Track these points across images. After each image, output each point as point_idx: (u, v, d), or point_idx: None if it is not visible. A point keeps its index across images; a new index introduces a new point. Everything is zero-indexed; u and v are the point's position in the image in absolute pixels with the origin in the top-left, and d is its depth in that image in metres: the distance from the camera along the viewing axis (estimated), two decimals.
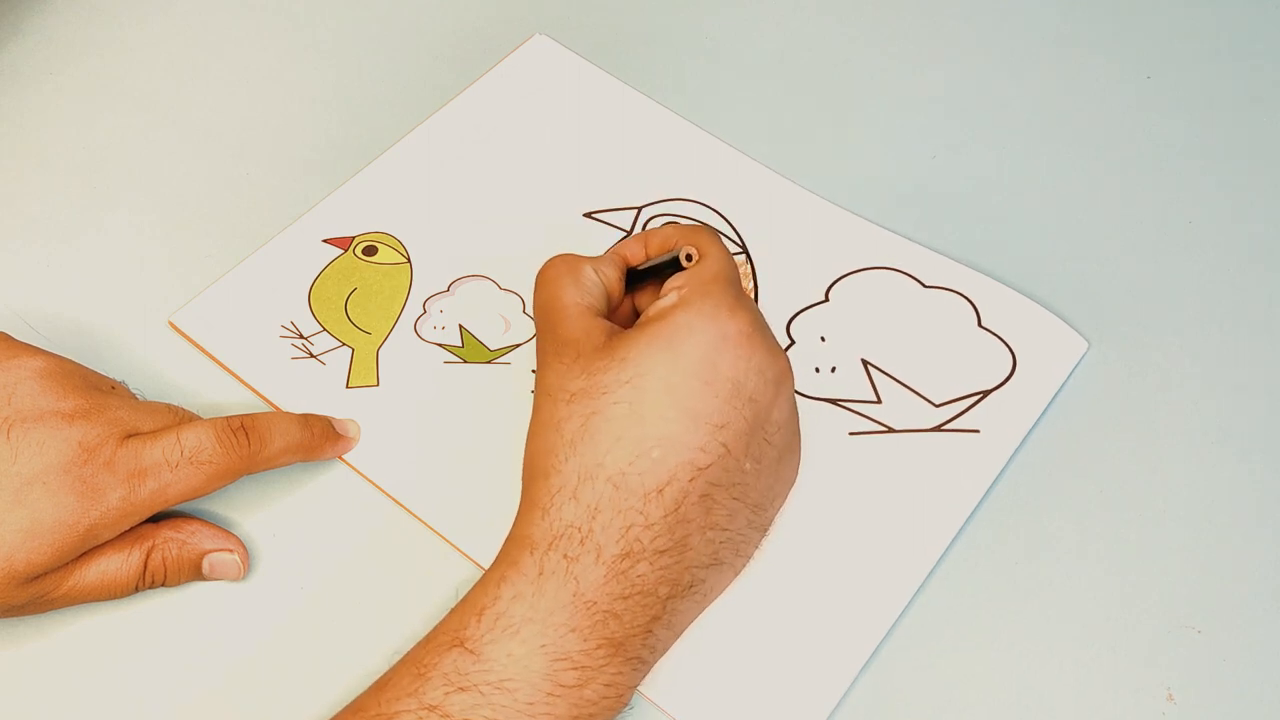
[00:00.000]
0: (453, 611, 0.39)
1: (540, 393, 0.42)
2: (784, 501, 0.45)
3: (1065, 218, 0.55)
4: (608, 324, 0.43)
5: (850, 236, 0.54)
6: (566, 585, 0.38)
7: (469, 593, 0.39)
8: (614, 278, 0.45)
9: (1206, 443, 0.49)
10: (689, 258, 0.44)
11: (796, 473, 0.45)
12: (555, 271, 0.44)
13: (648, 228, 0.54)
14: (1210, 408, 0.50)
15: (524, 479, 0.41)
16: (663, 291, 0.43)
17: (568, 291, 0.44)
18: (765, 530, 0.44)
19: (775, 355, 0.42)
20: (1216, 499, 0.47)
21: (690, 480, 0.39)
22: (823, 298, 0.52)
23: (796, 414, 0.43)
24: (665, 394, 0.40)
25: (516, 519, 0.41)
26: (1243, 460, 0.48)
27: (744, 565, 0.43)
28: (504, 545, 0.40)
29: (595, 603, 0.38)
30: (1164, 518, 0.47)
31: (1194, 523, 0.47)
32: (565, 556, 0.39)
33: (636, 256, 0.47)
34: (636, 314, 0.47)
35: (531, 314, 0.51)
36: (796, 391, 0.49)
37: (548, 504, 0.40)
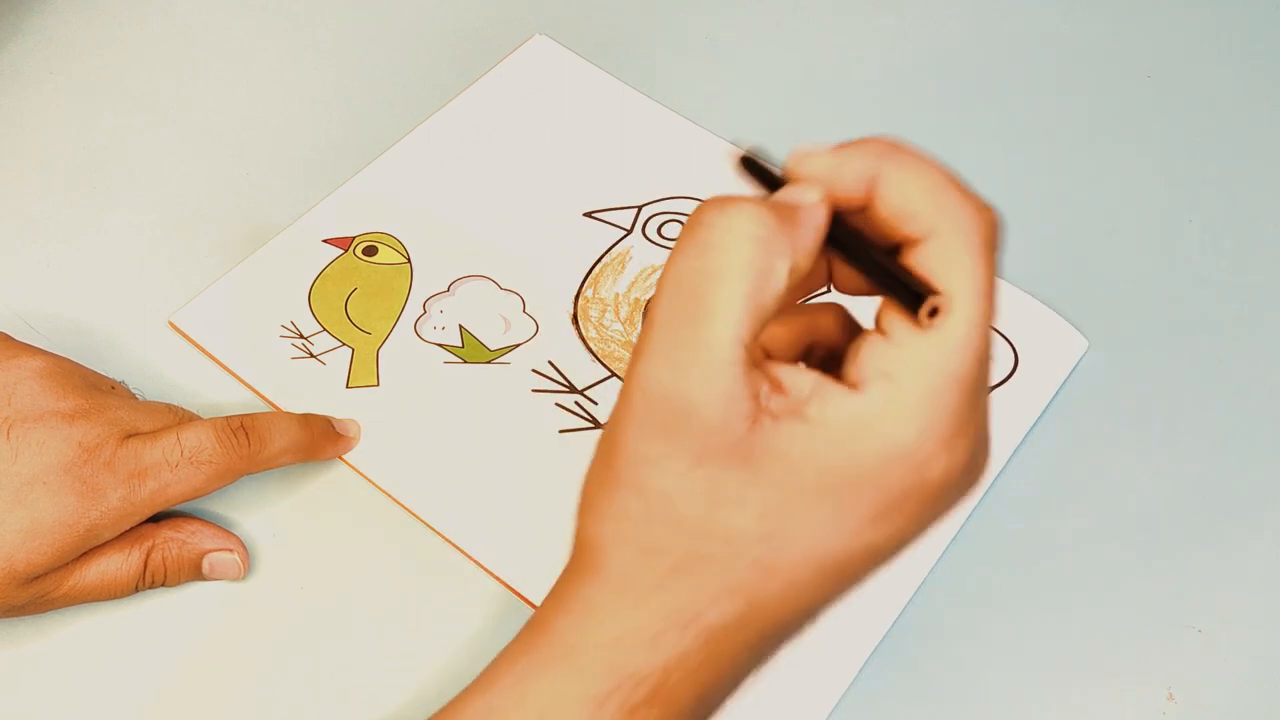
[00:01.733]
0: None
1: (611, 460, 0.29)
2: None
3: (1065, 217, 0.55)
4: (759, 388, 0.28)
5: None
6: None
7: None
8: (806, 263, 0.28)
9: (1206, 442, 0.49)
10: (932, 312, 0.27)
11: None
12: (735, 246, 0.27)
13: (651, 229, 0.54)
14: (1210, 407, 0.50)
15: (590, 528, 0.30)
16: (858, 359, 0.27)
17: (735, 303, 0.27)
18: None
19: (957, 506, 0.29)
20: (1216, 499, 0.47)
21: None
22: (824, 289, 0.52)
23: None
24: (812, 557, 0.28)
25: (574, 591, 0.29)
26: (1243, 460, 0.48)
27: None
28: (551, 645, 0.30)
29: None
30: (1164, 517, 0.47)
31: (1194, 522, 0.47)
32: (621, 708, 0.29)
33: (851, 200, 0.29)
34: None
35: (532, 313, 0.51)
36: None
37: (633, 600, 0.29)
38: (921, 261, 0.27)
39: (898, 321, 0.27)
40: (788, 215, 0.28)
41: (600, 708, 0.28)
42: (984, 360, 0.27)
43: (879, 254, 0.28)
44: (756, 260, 0.27)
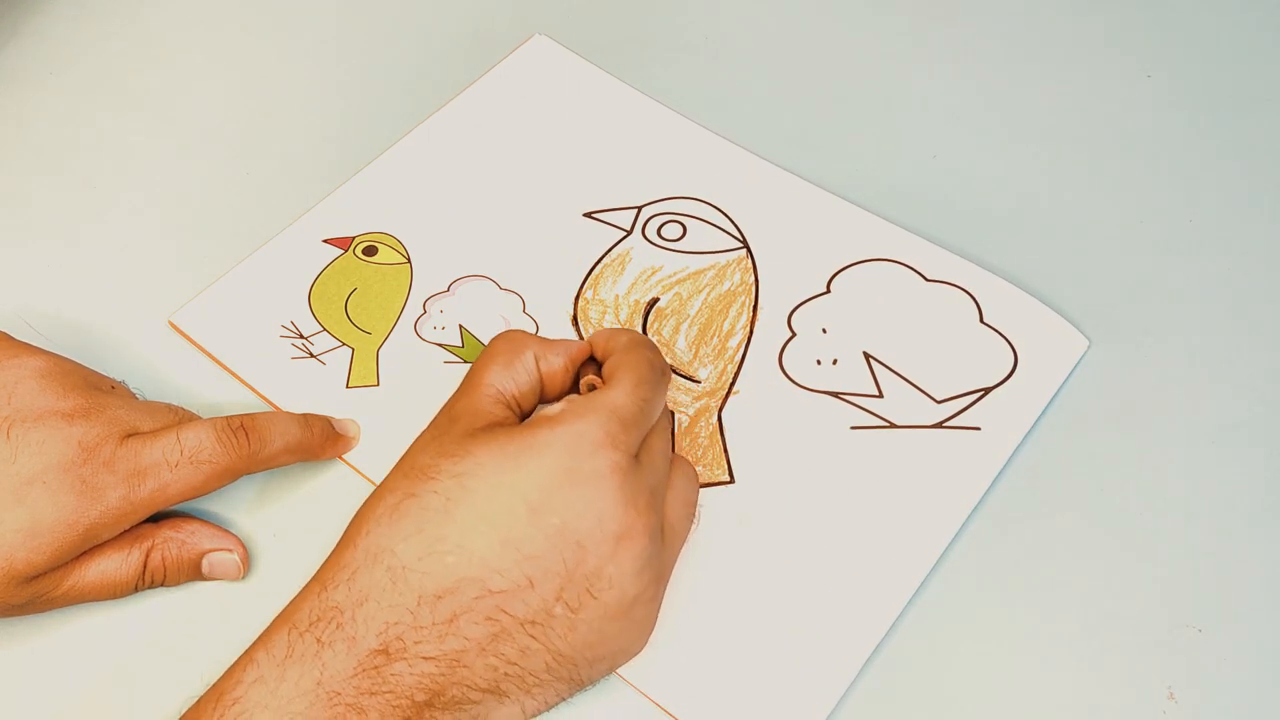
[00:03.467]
0: (204, 695, 0.37)
1: (402, 456, 0.41)
2: (610, 667, 0.40)
3: (1065, 217, 0.55)
4: (502, 415, 0.41)
5: (852, 228, 0.54)
6: (310, 672, 0.36)
7: (225, 671, 0.37)
8: (557, 368, 0.43)
9: (1206, 442, 0.49)
10: (592, 387, 0.42)
11: (641, 640, 0.41)
12: (495, 348, 0.43)
13: (651, 230, 0.54)
14: (1210, 407, 0.50)
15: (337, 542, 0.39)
16: (561, 398, 0.42)
17: (491, 371, 0.42)
18: (576, 685, 0.39)
19: (629, 507, 0.38)
20: (1216, 498, 0.47)
21: (476, 598, 0.37)
22: (824, 289, 0.52)
23: (646, 575, 0.39)
24: (485, 503, 0.38)
25: (308, 583, 0.38)
26: (1242, 460, 0.48)
27: (538, 709, 0.39)
28: (279, 613, 0.38)
29: (339, 694, 0.36)
30: (1164, 517, 0.47)
31: (1194, 522, 0.47)
32: (319, 640, 0.36)
33: (582, 354, 0.45)
34: None
35: (532, 314, 0.52)
36: (797, 384, 0.49)
37: (329, 579, 0.38)
38: (606, 366, 0.43)
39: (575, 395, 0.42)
40: (546, 341, 0.44)
41: (300, 637, 0.37)
42: (634, 409, 0.40)
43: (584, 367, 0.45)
44: (509, 350, 0.43)
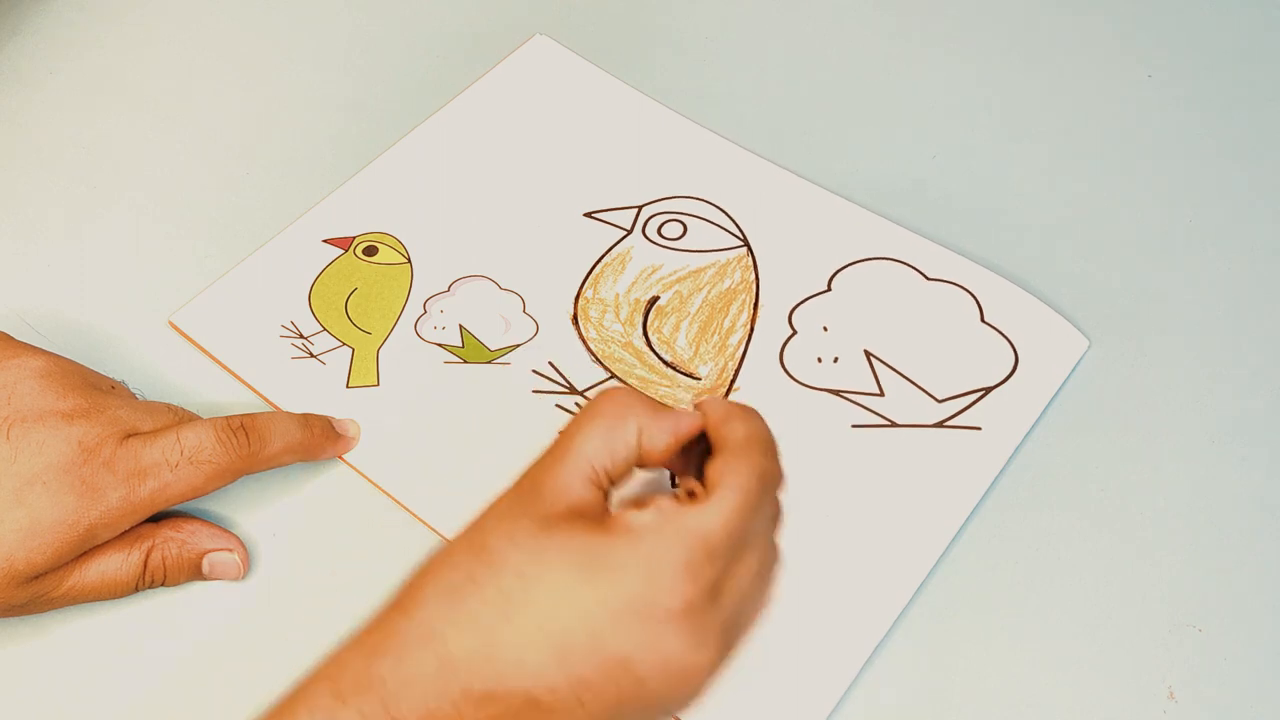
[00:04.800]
0: None
1: (479, 515, 0.38)
2: None
3: (1065, 217, 0.55)
4: (589, 498, 0.38)
5: (852, 226, 0.54)
6: None
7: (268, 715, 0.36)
8: (662, 444, 0.39)
9: (1206, 442, 0.49)
10: (690, 494, 0.38)
11: None
12: (599, 411, 0.39)
13: (651, 229, 0.54)
14: (1210, 407, 0.50)
15: (397, 594, 0.38)
16: (651, 500, 0.37)
17: (589, 440, 0.38)
18: None
19: (698, 650, 0.36)
20: (1216, 498, 0.47)
21: (522, 705, 0.35)
22: (825, 287, 0.52)
23: (693, 701, 0.37)
24: (546, 616, 0.35)
25: (356, 638, 0.37)
26: (1243, 460, 0.48)
27: None
28: (323, 666, 0.37)
29: None
30: (1164, 516, 0.47)
31: (1194, 522, 0.47)
32: (361, 714, 0.35)
33: (691, 432, 0.40)
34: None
35: (532, 314, 0.52)
36: (797, 382, 0.49)
37: (376, 644, 0.36)
38: (712, 466, 0.38)
39: (669, 496, 0.38)
40: (654, 406, 0.39)
41: (343, 707, 0.35)
42: (723, 535, 0.36)
43: (690, 454, 0.40)
44: (616, 418, 0.39)
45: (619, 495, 0.40)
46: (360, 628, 0.37)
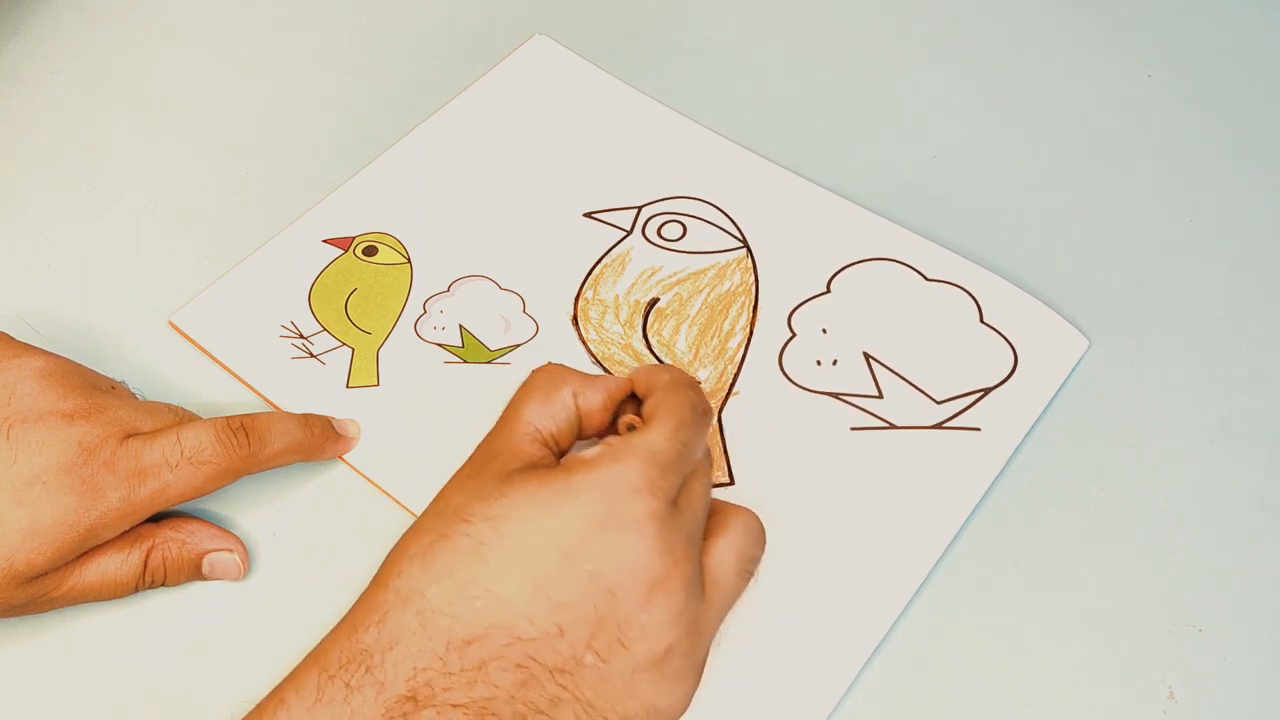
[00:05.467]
0: None
1: (437, 493, 0.40)
2: None
3: (1065, 217, 0.55)
4: (540, 455, 0.40)
5: (852, 226, 0.54)
6: (339, 718, 0.35)
7: (255, 707, 0.37)
8: (596, 406, 0.42)
9: (1206, 442, 0.49)
10: (631, 428, 0.41)
11: (675, 705, 0.39)
12: (534, 381, 0.42)
13: (651, 230, 0.54)
14: (1210, 407, 0.50)
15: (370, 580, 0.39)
16: (597, 445, 0.40)
17: (529, 407, 0.41)
18: None
19: (665, 555, 0.37)
20: (1217, 498, 0.47)
21: (506, 645, 0.36)
22: (824, 289, 0.52)
23: (679, 627, 0.38)
24: (517, 548, 0.37)
25: (339, 623, 0.38)
26: (1243, 460, 0.48)
27: None
28: (310, 653, 0.37)
29: None
30: (1164, 516, 0.47)
31: (1194, 521, 0.47)
32: (348, 685, 0.36)
33: (622, 392, 0.43)
34: None
35: (532, 314, 0.52)
36: (797, 385, 0.49)
37: (359, 620, 0.37)
38: (646, 405, 0.41)
39: (614, 436, 0.41)
40: (586, 377, 0.43)
41: (330, 680, 0.36)
42: (672, 451, 0.39)
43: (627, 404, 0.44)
44: (548, 385, 0.42)
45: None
46: (336, 625, 0.38)
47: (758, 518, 0.42)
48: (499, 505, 0.38)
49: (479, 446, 0.41)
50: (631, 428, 0.41)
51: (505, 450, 0.40)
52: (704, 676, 0.43)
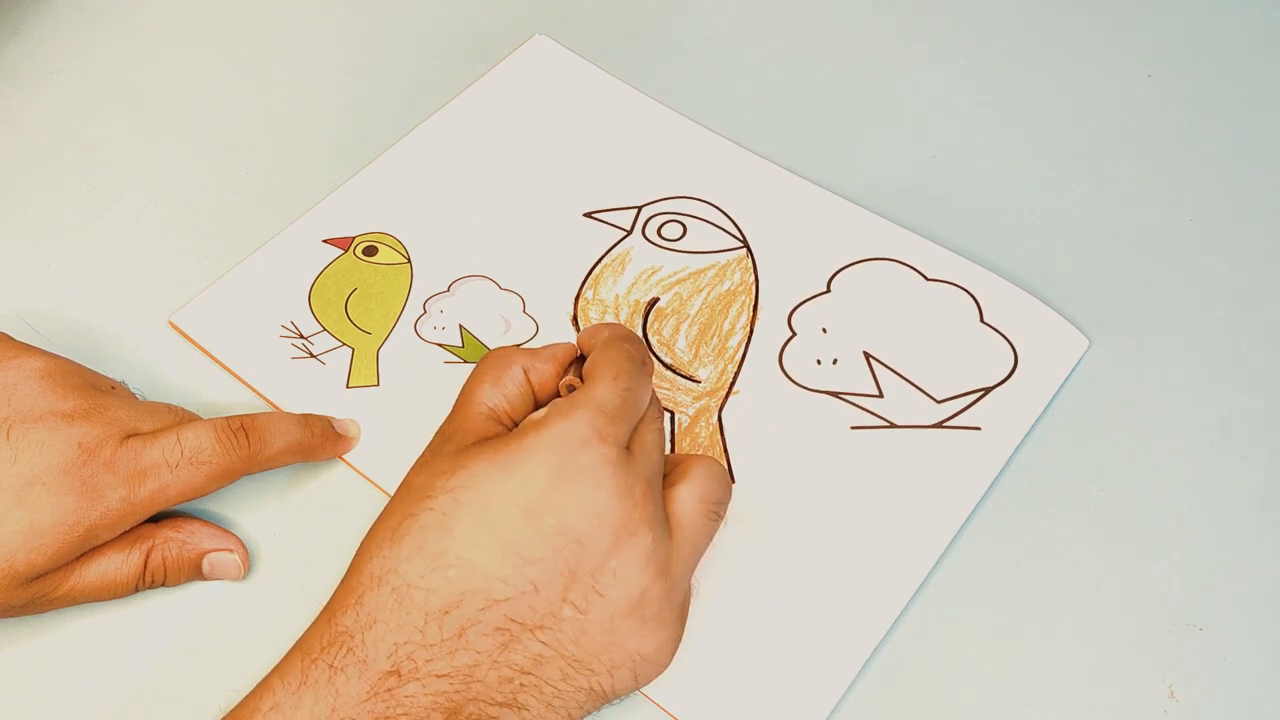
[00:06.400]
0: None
1: (401, 482, 0.41)
2: (634, 676, 0.39)
3: (1065, 217, 0.55)
4: (494, 430, 0.41)
5: (852, 226, 0.54)
6: (325, 699, 0.36)
7: (242, 699, 0.37)
8: (547, 375, 0.43)
9: (1207, 441, 0.49)
10: (571, 389, 0.42)
11: (659, 651, 0.39)
12: (484, 365, 0.43)
13: (651, 230, 0.54)
14: (1210, 407, 0.50)
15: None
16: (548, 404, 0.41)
17: (480, 389, 0.42)
18: (598, 695, 0.38)
19: (626, 498, 0.38)
20: (1217, 497, 0.47)
21: (482, 609, 0.37)
22: (825, 288, 0.52)
23: (651, 567, 0.38)
24: (481, 513, 0.37)
25: (319, 614, 0.39)
26: (1243, 459, 0.48)
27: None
28: (294, 644, 0.38)
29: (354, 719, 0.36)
30: (1164, 516, 0.47)
31: (1194, 521, 0.47)
32: (331, 666, 0.36)
33: (569, 356, 0.44)
34: None
35: (532, 314, 0.52)
36: (797, 384, 0.49)
37: (337, 605, 0.38)
38: (585, 364, 0.42)
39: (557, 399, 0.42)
40: (533, 350, 0.44)
41: (314, 663, 0.37)
42: (617, 401, 0.40)
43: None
44: (497, 366, 0.43)
45: None
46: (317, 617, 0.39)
47: (719, 463, 0.42)
48: (458, 477, 0.38)
49: (436, 433, 0.42)
50: (572, 388, 0.42)
51: (460, 430, 0.41)
52: (704, 675, 0.43)
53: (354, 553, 0.44)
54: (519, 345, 0.45)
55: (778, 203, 0.55)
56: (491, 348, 0.50)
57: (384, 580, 0.37)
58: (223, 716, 0.37)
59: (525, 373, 0.43)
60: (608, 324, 0.44)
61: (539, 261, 0.53)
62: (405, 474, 0.41)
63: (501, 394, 0.42)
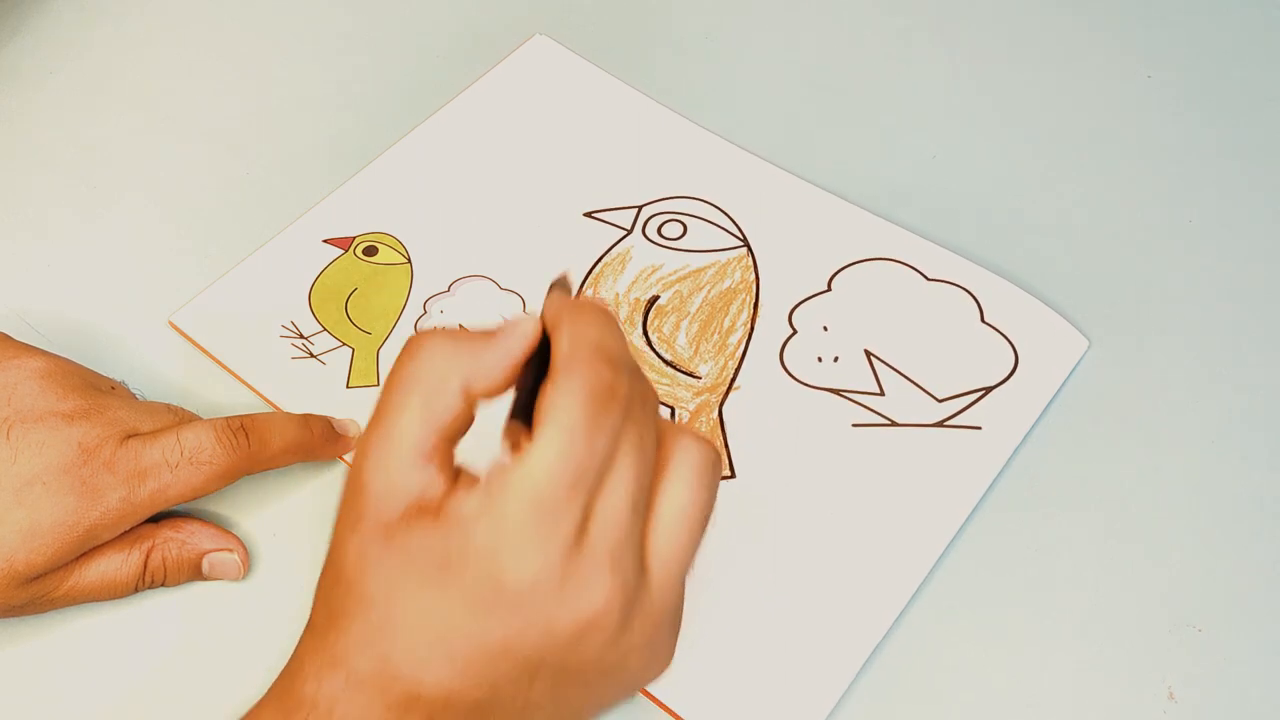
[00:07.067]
0: None
1: (334, 523, 0.36)
2: (634, 690, 0.37)
3: (1065, 217, 0.55)
4: (420, 487, 0.34)
5: (852, 227, 0.54)
6: None
7: None
8: (496, 385, 0.35)
9: (1206, 442, 0.49)
10: (515, 446, 0.34)
11: (655, 673, 0.37)
12: (407, 380, 0.34)
13: (651, 229, 0.54)
14: (1210, 407, 0.50)
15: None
16: (482, 474, 0.34)
17: (406, 417, 0.34)
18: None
19: (575, 604, 0.33)
20: (1216, 498, 0.47)
21: (443, 710, 0.34)
22: (825, 287, 0.52)
23: (624, 641, 0.34)
24: (420, 633, 0.33)
25: (263, 700, 0.36)
26: (1243, 459, 0.48)
27: None
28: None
29: None
30: (1164, 516, 0.47)
31: (1194, 521, 0.47)
32: None
33: (527, 351, 0.35)
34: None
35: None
36: (798, 381, 0.49)
37: (286, 690, 0.35)
38: (541, 395, 0.33)
39: (499, 459, 0.34)
40: (473, 346, 0.34)
41: None
42: (565, 472, 0.32)
43: (522, 392, 0.34)
44: (429, 381, 0.34)
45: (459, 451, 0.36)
46: (262, 697, 0.36)
47: (706, 453, 0.35)
48: (387, 584, 0.33)
49: (353, 469, 0.35)
50: (516, 445, 0.34)
51: (382, 489, 0.34)
52: (704, 673, 0.43)
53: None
54: (458, 329, 0.35)
55: (778, 203, 0.55)
56: None
57: (337, 667, 0.34)
58: None
59: (464, 390, 0.34)
60: (577, 312, 0.35)
61: (539, 261, 0.53)
62: (335, 522, 0.36)
63: (431, 424, 0.34)
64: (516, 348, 0.34)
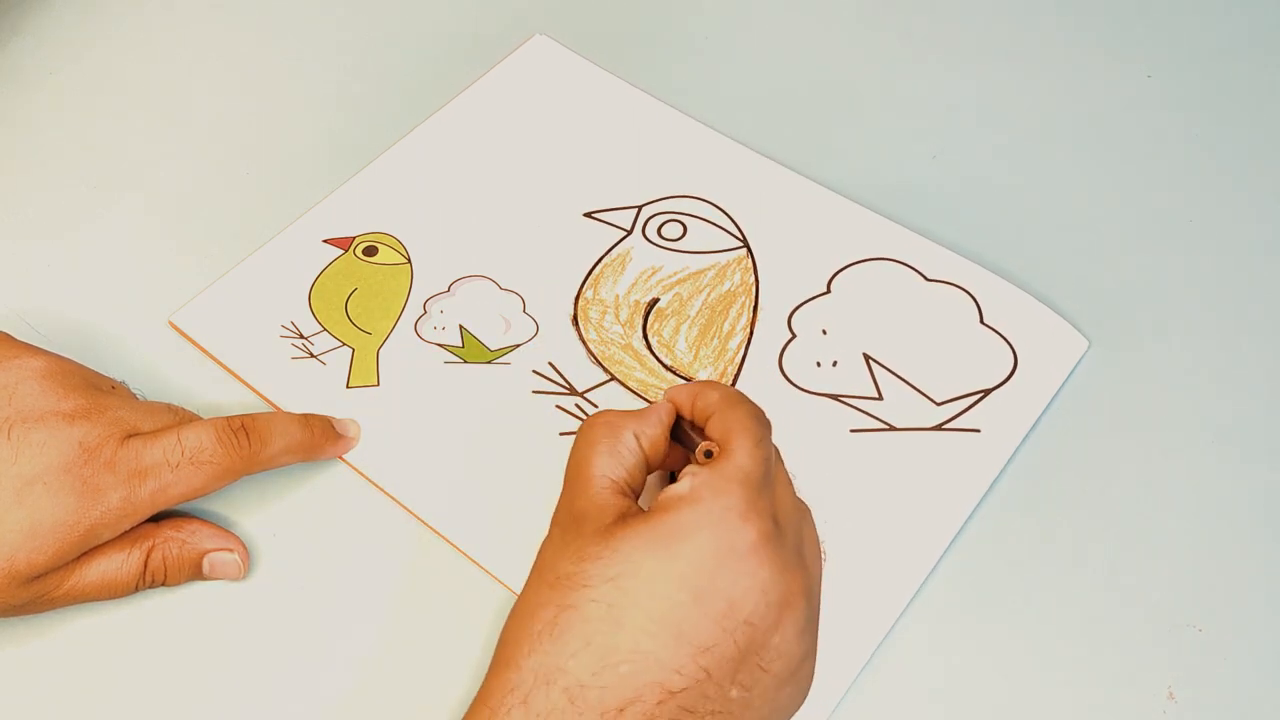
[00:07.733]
0: None
1: (534, 565, 0.39)
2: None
3: (1065, 217, 0.55)
4: (626, 504, 0.39)
5: (852, 225, 0.54)
6: None
7: None
8: (657, 437, 0.42)
9: (1207, 442, 0.49)
10: (708, 454, 0.40)
11: (803, 697, 0.40)
12: (594, 435, 0.41)
13: (651, 229, 0.54)
14: (1210, 408, 0.50)
15: (492, 661, 0.38)
16: (681, 473, 0.39)
17: (598, 460, 0.40)
18: None
19: (785, 572, 0.37)
20: (1216, 498, 0.47)
21: (658, 703, 0.35)
22: (824, 289, 0.52)
23: (807, 635, 0.38)
24: (649, 602, 0.36)
25: (469, 710, 0.37)
26: (1243, 460, 0.48)
27: None
28: None
29: None
30: (1164, 517, 0.47)
31: (1194, 522, 0.47)
32: None
33: (684, 408, 0.43)
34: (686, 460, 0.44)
35: (532, 314, 0.52)
36: (797, 386, 0.49)
37: (498, 704, 0.36)
38: (711, 427, 0.41)
39: (694, 464, 0.40)
40: (639, 415, 0.42)
41: None
42: (760, 468, 0.39)
43: (687, 430, 0.43)
44: (610, 434, 0.41)
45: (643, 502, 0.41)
46: (468, 711, 0.37)
47: (803, 502, 0.43)
48: (614, 563, 0.37)
49: (559, 511, 0.40)
50: (709, 453, 0.40)
51: (591, 509, 0.39)
52: None
53: (349, 553, 0.45)
54: (616, 410, 0.43)
55: (778, 201, 0.55)
56: (492, 348, 0.51)
57: (553, 679, 0.36)
58: None
59: (637, 439, 0.41)
60: (713, 384, 0.43)
61: (539, 261, 0.53)
62: (537, 560, 0.39)
63: (619, 464, 0.41)
64: (665, 411, 0.43)
